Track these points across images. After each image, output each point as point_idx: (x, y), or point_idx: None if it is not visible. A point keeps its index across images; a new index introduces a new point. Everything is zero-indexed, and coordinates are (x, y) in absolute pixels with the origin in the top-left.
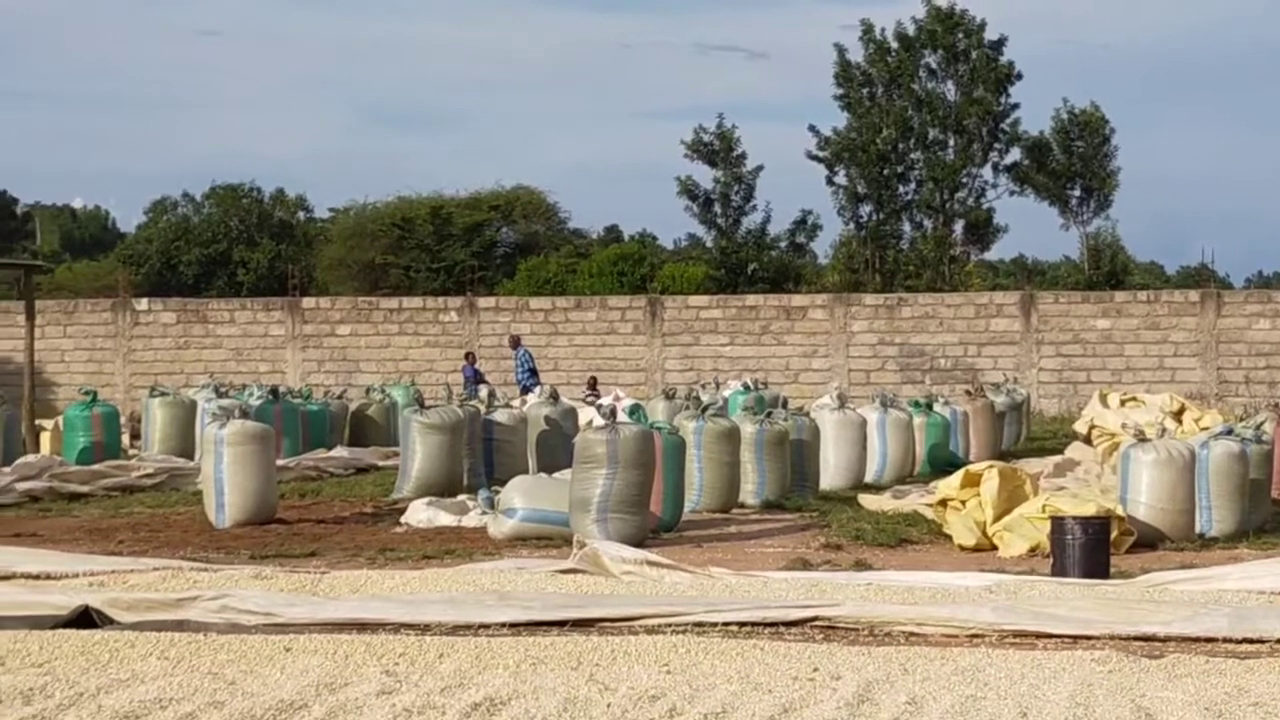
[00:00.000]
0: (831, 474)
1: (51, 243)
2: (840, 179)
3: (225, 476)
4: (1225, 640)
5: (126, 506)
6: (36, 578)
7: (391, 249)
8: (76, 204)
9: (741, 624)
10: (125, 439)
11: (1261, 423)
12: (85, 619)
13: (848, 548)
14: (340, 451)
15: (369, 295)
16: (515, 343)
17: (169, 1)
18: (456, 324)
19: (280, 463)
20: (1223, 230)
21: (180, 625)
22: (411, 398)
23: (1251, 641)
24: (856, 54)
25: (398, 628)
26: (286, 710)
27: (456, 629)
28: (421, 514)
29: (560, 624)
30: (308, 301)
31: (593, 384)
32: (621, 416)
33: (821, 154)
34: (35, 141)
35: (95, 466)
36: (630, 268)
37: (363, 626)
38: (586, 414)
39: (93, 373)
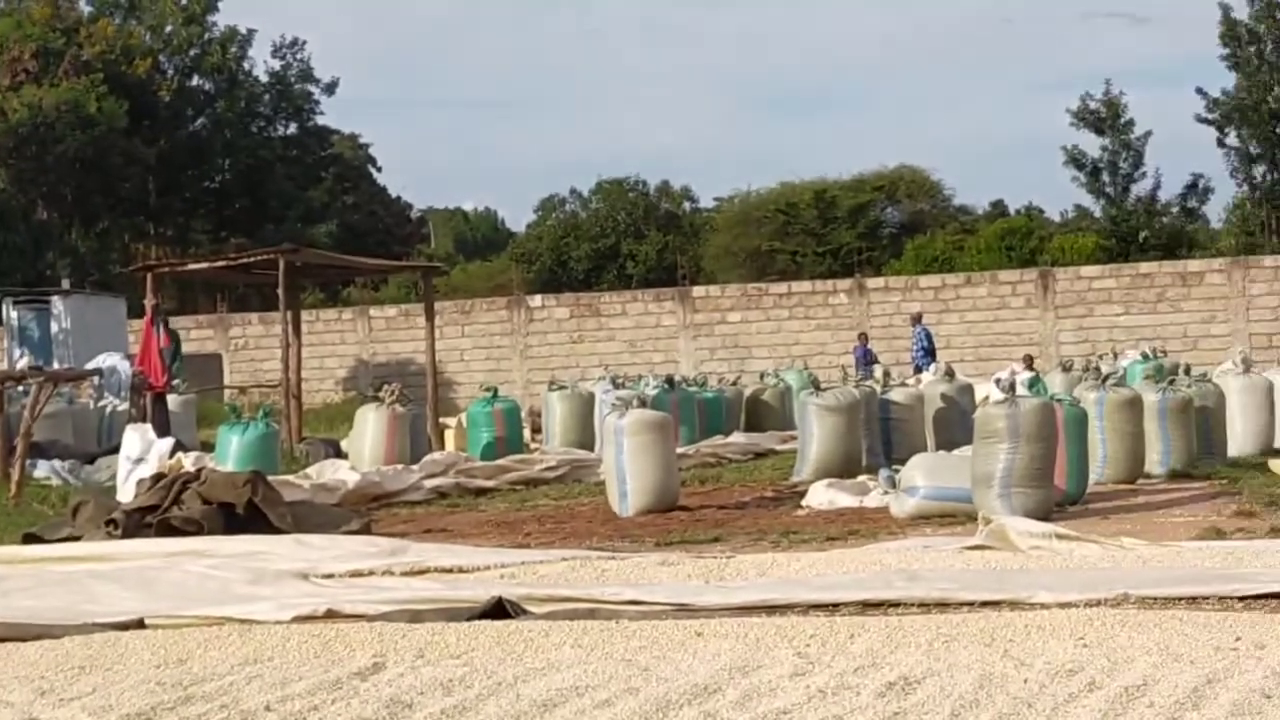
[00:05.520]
0: (1239, 440)
1: (446, 245)
2: (1231, 140)
3: (627, 466)
4: None
5: (531, 499)
6: (449, 571)
7: (777, 235)
8: (468, 206)
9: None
10: (526, 433)
11: None
12: (499, 610)
13: (1261, 515)
14: (737, 437)
15: (757, 282)
16: (915, 320)
17: (552, 1)
18: (846, 306)
19: (679, 450)
20: None
21: (591, 614)
22: (805, 381)
23: None
24: (1241, 12)
25: (807, 609)
26: (700, 694)
27: (866, 609)
28: (822, 496)
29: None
30: (698, 290)
31: (1029, 362)
32: (1021, 390)
33: (1210, 116)
34: (427, 147)
35: (499, 461)
36: (1018, 241)
37: (772, 609)
38: (984, 390)
39: (491, 370)
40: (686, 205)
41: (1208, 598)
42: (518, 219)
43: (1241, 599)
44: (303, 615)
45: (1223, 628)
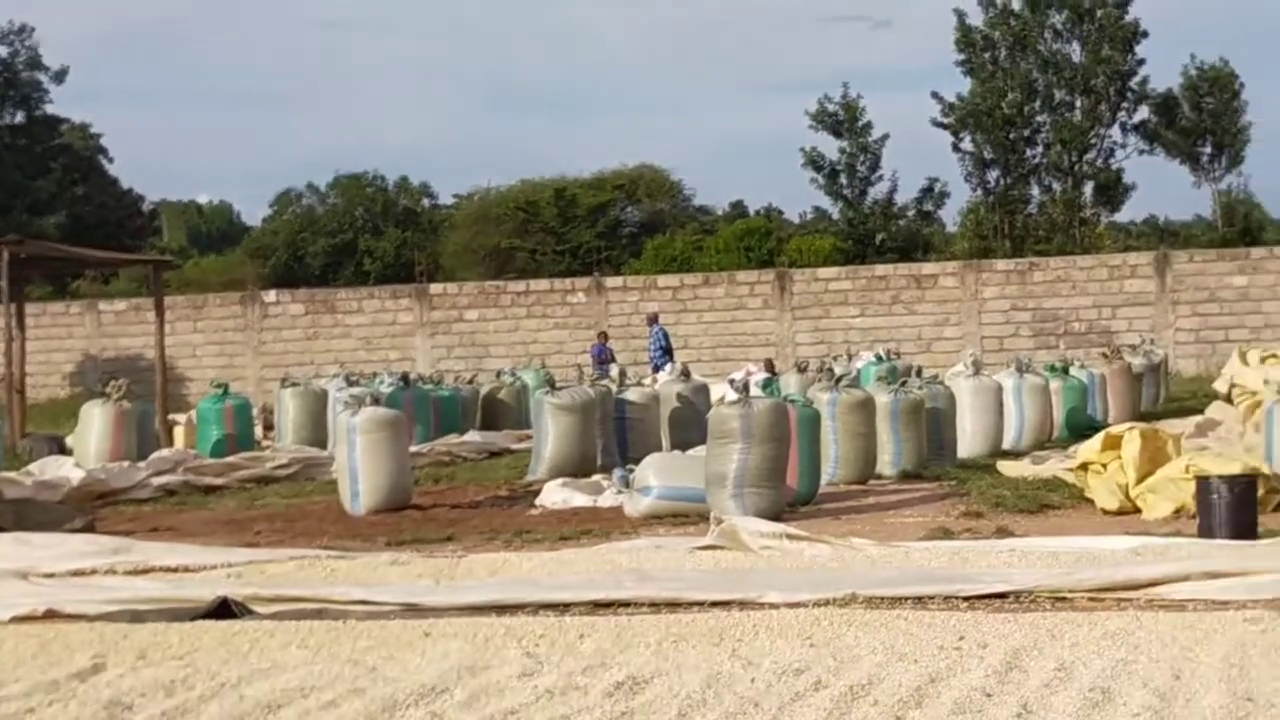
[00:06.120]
0: (969, 441)
1: (179, 239)
2: (966, 145)
3: (359, 464)
4: None
5: (262, 498)
6: (174, 570)
7: (517, 232)
8: (202, 199)
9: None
10: (258, 431)
11: None
12: (224, 610)
13: (988, 515)
14: (473, 436)
15: (496, 280)
16: (652, 320)
17: None
18: (584, 305)
19: (413, 449)
20: None
21: (319, 614)
22: (542, 380)
23: None
24: (977, 19)
25: (536, 609)
26: (428, 695)
27: (596, 609)
28: (556, 495)
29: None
30: (435, 288)
31: (770, 367)
32: (754, 390)
33: (946, 121)
34: (159, 139)
35: (229, 459)
36: (757, 242)
37: (502, 609)
38: (720, 390)
39: (224, 366)
40: (425, 202)
41: (934, 597)
42: (253, 213)
43: (966, 599)
44: (20, 616)
45: (947, 627)
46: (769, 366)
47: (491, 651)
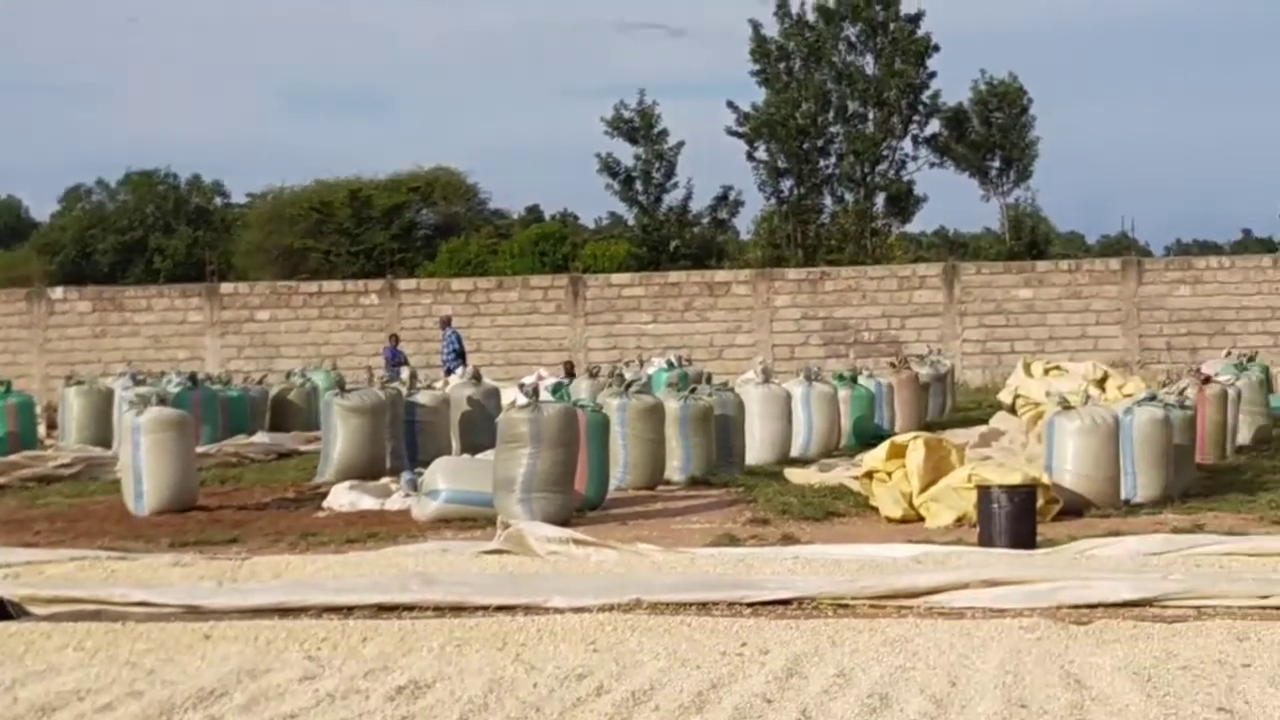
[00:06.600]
0: (757, 449)
1: None
2: (761, 154)
3: (143, 464)
4: (1151, 604)
5: (43, 497)
6: None
7: (310, 233)
8: None
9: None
10: (41, 429)
11: (1184, 388)
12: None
13: (774, 522)
14: (261, 437)
15: (288, 280)
16: (445, 323)
17: None
18: (377, 307)
19: (200, 449)
20: (1142, 199)
21: (97, 615)
22: (332, 381)
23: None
24: (772, 29)
25: (320, 612)
26: (207, 698)
27: (380, 612)
28: (344, 498)
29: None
30: (226, 287)
31: (569, 369)
32: (544, 395)
33: (741, 130)
34: None
35: (10, 458)
36: (552, 247)
37: (285, 612)
38: (510, 394)
39: (7, 363)
40: (218, 200)
41: (718, 604)
42: (42, 208)
43: (750, 605)
44: None
45: (730, 633)
46: (568, 369)
47: (273, 654)
